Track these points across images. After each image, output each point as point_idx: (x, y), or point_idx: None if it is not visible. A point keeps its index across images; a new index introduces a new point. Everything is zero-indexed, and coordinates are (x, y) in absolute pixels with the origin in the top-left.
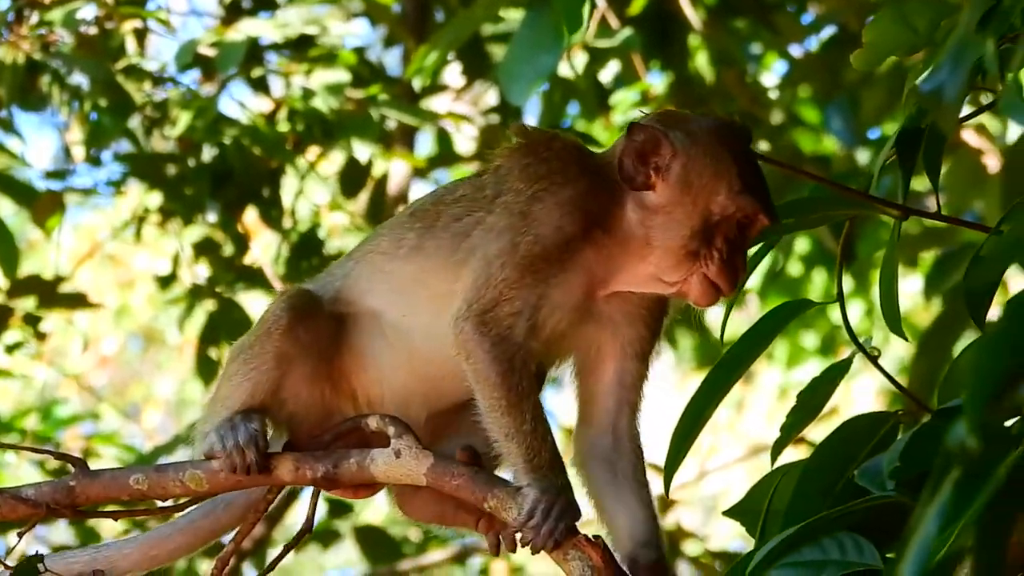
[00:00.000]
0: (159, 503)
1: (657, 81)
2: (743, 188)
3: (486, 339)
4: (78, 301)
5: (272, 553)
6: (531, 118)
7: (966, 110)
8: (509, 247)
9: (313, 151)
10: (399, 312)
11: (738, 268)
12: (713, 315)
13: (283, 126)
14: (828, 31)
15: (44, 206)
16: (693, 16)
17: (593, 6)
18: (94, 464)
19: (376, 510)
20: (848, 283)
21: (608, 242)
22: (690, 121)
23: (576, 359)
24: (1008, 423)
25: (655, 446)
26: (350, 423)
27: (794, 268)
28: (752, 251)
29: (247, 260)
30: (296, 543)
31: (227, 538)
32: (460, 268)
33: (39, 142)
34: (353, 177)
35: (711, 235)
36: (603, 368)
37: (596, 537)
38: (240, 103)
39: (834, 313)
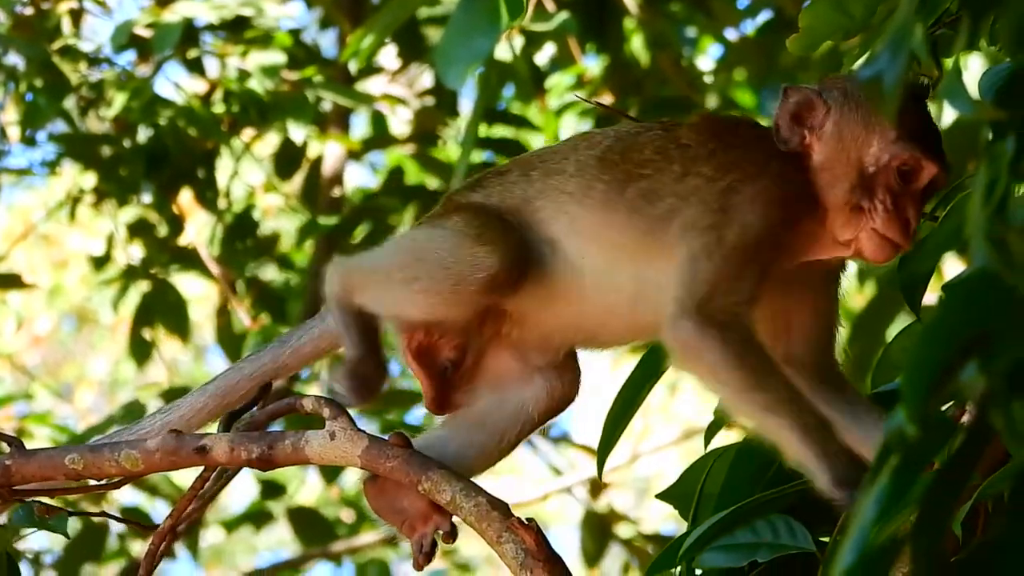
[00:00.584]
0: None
1: (593, 64)
2: (898, 136)
3: (712, 328)
4: (12, 281)
5: (206, 534)
6: (466, 101)
7: None
8: (715, 241)
9: (248, 132)
10: (576, 251)
11: (908, 219)
12: None
13: (218, 107)
14: (764, 15)
15: None
16: (629, 0)
17: None
18: (28, 445)
19: (310, 491)
20: None
21: (801, 216)
22: (849, 80)
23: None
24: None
25: (589, 429)
26: (285, 404)
27: None
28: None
29: (181, 241)
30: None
31: (165, 514)
32: (657, 247)
33: None
34: (288, 158)
35: (872, 188)
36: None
37: (530, 520)
38: (176, 84)
39: None
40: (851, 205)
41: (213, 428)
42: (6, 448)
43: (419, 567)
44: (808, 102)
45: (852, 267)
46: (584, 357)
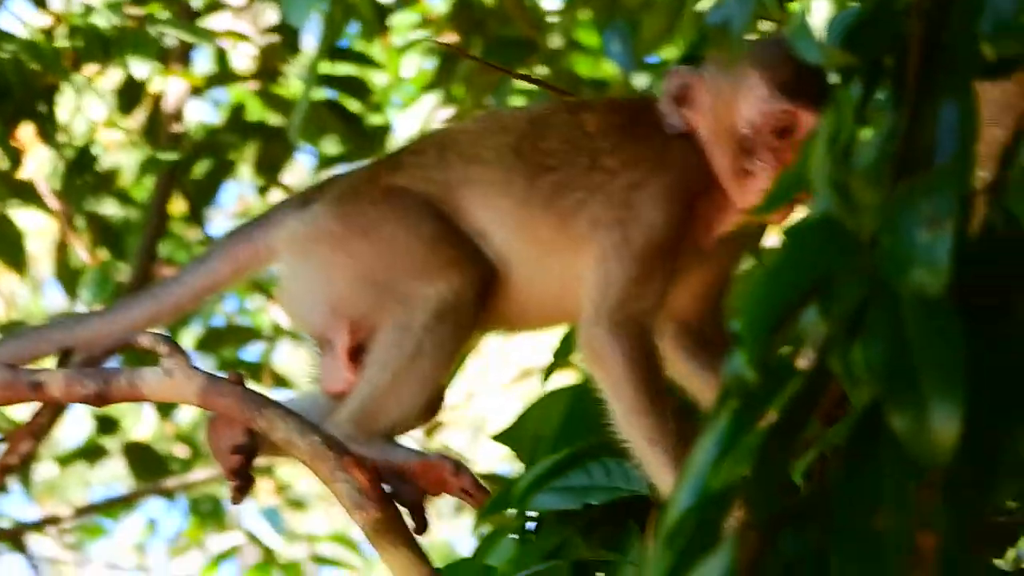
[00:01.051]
0: None
1: (437, 3)
2: (768, 93)
3: (620, 341)
4: None
5: (39, 468)
6: (310, 38)
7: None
8: (623, 241)
9: (91, 68)
10: (504, 244)
11: None
12: None
13: (62, 42)
14: None
15: None
16: None
17: None
18: None
19: (145, 427)
20: None
21: (706, 198)
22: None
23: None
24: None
25: None
26: (123, 340)
27: None
28: None
29: (20, 175)
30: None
31: None
32: (572, 240)
33: None
34: (130, 94)
35: (753, 149)
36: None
37: (363, 459)
38: (19, 18)
39: None
40: (738, 171)
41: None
42: None
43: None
44: (682, 83)
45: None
46: None
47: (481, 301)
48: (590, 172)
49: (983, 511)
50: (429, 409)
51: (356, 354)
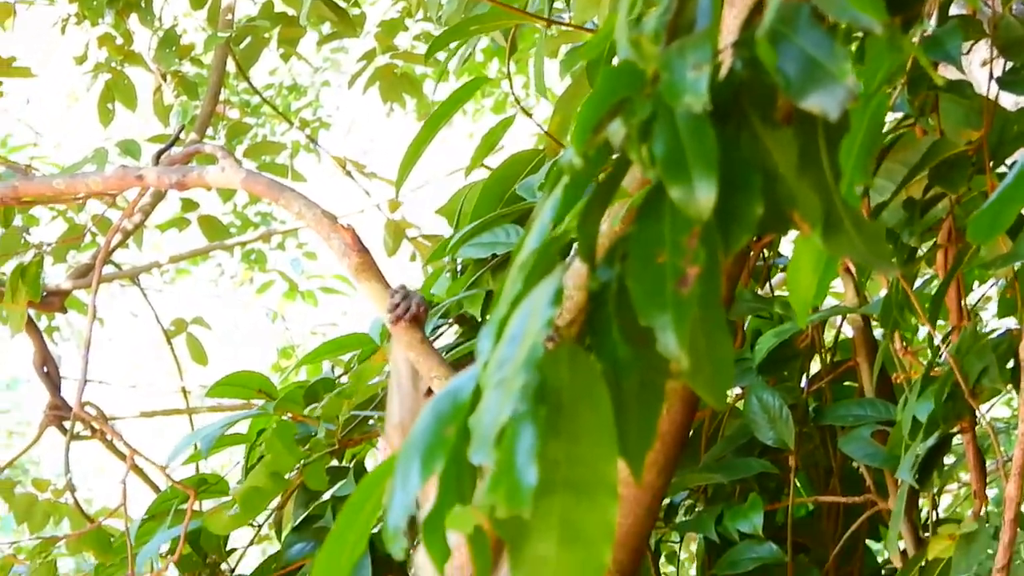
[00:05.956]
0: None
1: None
2: None
3: None
4: None
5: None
6: None
7: None
8: None
9: None
10: None
11: None
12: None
13: None
14: None
15: None
16: None
17: None
18: None
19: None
20: (512, 66)
21: None
22: None
23: None
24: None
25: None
26: (194, 148)
27: (479, 57)
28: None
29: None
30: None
31: None
32: None
33: None
34: None
35: None
36: None
37: (348, 225)
38: None
39: (504, 84)
40: None
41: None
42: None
43: None
44: None
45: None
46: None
47: None
48: None
49: (726, 254)
50: None
51: None
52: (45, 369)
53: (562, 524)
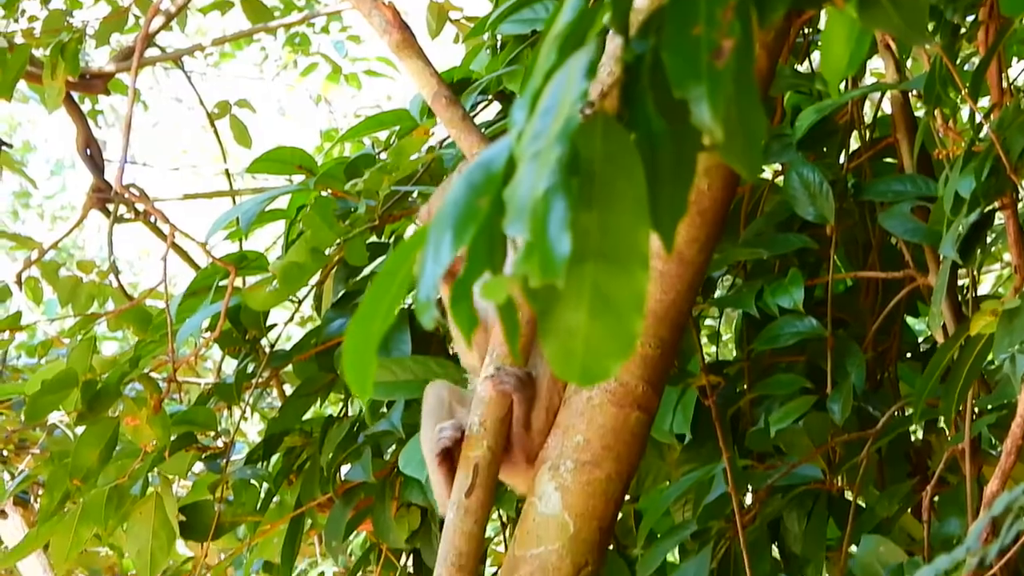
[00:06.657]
0: None
1: None
2: None
3: None
4: None
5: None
6: None
7: None
8: None
9: None
10: None
11: None
12: None
13: None
14: None
15: None
16: None
17: None
18: None
19: None
20: None
21: None
22: None
23: None
24: None
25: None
26: None
27: None
28: None
29: None
30: None
31: None
32: None
33: None
34: None
35: None
36: None
37: (389, 2)
38: None
39: None
40: None
41: None
42: None
43: None
44: None
45: None
46: None
47: None
48: None
49: (762, 27)
50: None
51: None
52: (88, 151)
53: (593, 293)
